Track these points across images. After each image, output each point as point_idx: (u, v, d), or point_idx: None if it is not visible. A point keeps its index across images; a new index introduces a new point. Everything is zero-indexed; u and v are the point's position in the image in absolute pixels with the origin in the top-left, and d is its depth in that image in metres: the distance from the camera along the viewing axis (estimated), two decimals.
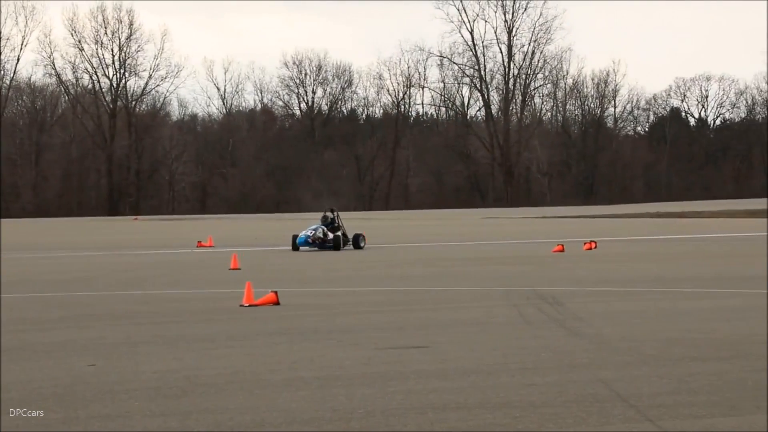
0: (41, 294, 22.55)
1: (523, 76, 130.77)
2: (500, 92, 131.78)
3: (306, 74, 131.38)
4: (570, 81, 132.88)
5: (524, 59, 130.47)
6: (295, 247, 37.82)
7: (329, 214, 38.92)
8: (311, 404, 10.24)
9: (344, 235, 38.86)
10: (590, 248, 36.59)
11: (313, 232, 38.13)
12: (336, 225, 38.83)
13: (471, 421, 9.46)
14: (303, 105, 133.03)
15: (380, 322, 16.83)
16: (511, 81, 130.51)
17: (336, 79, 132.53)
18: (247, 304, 19.01)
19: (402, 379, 11.50)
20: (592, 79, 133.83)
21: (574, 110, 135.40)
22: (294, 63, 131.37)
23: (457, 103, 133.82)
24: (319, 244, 37.84)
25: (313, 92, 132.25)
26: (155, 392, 10.90)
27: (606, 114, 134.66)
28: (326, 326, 16.31)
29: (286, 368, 12.31)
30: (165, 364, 12.68)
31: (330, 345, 14.21)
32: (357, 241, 39.11)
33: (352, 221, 75.79)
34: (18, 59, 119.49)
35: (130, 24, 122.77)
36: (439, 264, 30.95)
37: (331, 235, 38.24)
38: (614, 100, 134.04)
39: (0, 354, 13.41)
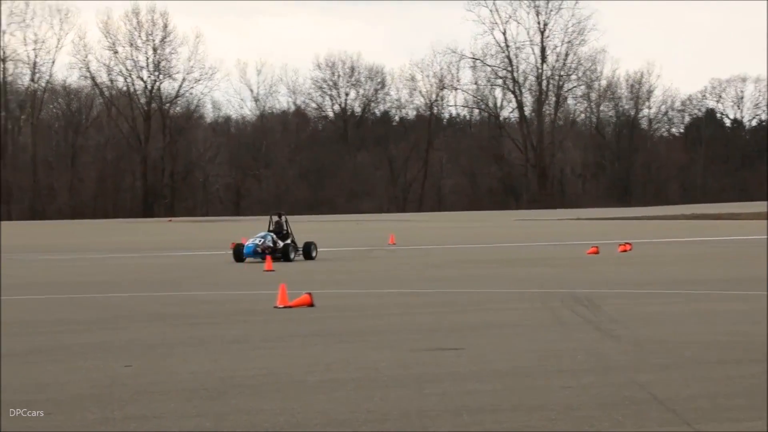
0: (77, 295, 22.66)
1: (557, 78, 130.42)
2: (533, 94, 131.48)
3: (339, 76, 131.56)
4: (604, 82, 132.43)
5: (557, 60, 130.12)
6: (239, 258, 33.50)
7: (276, 218, 35.27)
8: (346, 406, 10.24)
9: (294, 243, 34.71)
10: (625, 250, 36.44)
11: (262, 240, 33.79)
12: (285, 232, 34.85)
13: (506, 424, 9.43)
14: (336, 107, 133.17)
15: (415, 323, 16.82)
16: (545, 82, 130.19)
17: (369, 81, 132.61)
18: (281, 306, 19.04)
19: (437, 381, 11.48)
20: (626, 80, 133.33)
21: (608, 111, 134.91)
22: (327, 65, 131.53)
23: (490, 104, 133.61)
24: (268, 253, 33.11)
25: (346, 94, 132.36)
26: (191, 393, 10.94)
27: (640, 115, 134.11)
28: (361, 328, 16.31)
29: (321, 370, 12.32)
30: (200, 366, 12.71)
31: (365, 347, 14.21)
32: (308, 251, 34.88)
33: (385, 223, 75.74)
34: (53, 62, 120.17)
35: (164, 26, 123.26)
36: (473, 266, 30.89)
37: (281, 244, 34.14)
38: (648, 101, 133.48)
39: (0, 355, 13.43)
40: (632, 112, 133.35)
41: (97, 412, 10.08)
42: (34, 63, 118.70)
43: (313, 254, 34.96)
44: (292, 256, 33.86)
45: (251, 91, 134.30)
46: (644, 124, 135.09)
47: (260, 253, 33.23)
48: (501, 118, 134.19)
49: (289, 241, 34.49)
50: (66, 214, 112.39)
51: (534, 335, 15.15)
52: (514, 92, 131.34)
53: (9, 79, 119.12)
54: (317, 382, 11.51)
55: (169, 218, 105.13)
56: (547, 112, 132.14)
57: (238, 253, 33.68)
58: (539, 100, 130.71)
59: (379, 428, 9.36)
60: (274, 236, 34.12)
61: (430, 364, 12.57)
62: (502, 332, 15.55)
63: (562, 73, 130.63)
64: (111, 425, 9.54)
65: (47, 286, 25.18)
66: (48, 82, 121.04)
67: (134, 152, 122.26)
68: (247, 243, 34.00)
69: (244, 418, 9.77)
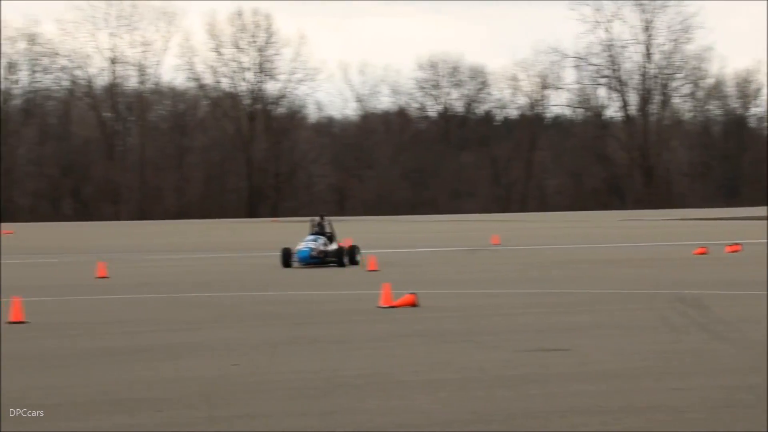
0: (182, 295, 22.95)
1: (662, 76, 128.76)
2: (638, 92, 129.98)
3: (441, 76, 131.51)
4: (710, 80, 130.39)
5: (663, 59, 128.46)
6: (288, 264, 30.46)
7: (318, 219, 32.28)
8: (451, 406, 10.21)
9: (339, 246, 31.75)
10: (734, 251, 35.80)
11: (315, 243, 30.87)
12: (330, 234, 31.86)
13: (614, 425, 9.32)
14: (438, 107, 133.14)
15: (519, 324, 16.72)
16: (649, 81, 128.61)
17: (471, 81, 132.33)
18: (385, 306, 19.06)
19: (543, 381, 11.39)
20: (734, 79, 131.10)
21: (716, 110, 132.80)
22: (429, 65, 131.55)
23: (594, 104, 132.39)
24: (322, 258, 30.66)
25: (448, 94, 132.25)
26: (296, 392, 11.00)
27: (749, 114, 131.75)
28: (465, 328, 16.27)
29: (425, 370, 12.31)
30: (305, 365, 12.79)
31: (469, 347, 14.16)
32: (353, 255, 31.45)
33: (488, 223, 75.47)
34: (160, 64, 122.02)
35: (268, 28, 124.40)
36: (578, 266, 30.62)
37: (332, 247, 31.20)
38: (757, 100, 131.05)
39: (0, 356, 13.55)
40: (740, 111, 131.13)
41: (206, 409, 10.19)
42: (142, 65, 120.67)
43: (358, 258, 31.36)
44: (345, 260, 30.77)
45: (354, 91, 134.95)
46: (752, 122, 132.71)
47: (316, 257, 30.53)
48: (605, 118, 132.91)
49: (335, 245, 31.50)
50: (172, 214, 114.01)
51: (641, 336, 14.96)
52: (618, 91, 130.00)
53: (117, 81, 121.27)
54: (421, 382, 11.50)
55: (273, 219, 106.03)
56: (653, 111, 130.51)
57: (287, 258, 30.56)
58: (644, 99, 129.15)
59: (484, 429, 9.31)
60: (325, 239, 31.31)
61: (536, 365, 12.48)
62: (608, 333, 15.38)
63: (667, 71, 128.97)
64: (218, 423, 9.64)
65: (153, 285, 25.55)
66: (155, 83, 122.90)
67: (239, 153, 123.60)
68: (300, 247, 30.65)
69: (348, 417, 9.80)
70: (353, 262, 31.07)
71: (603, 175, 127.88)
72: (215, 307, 20.09)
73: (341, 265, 30.41)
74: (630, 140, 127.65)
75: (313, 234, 31.53)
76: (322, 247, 30.78)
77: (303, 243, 30.90)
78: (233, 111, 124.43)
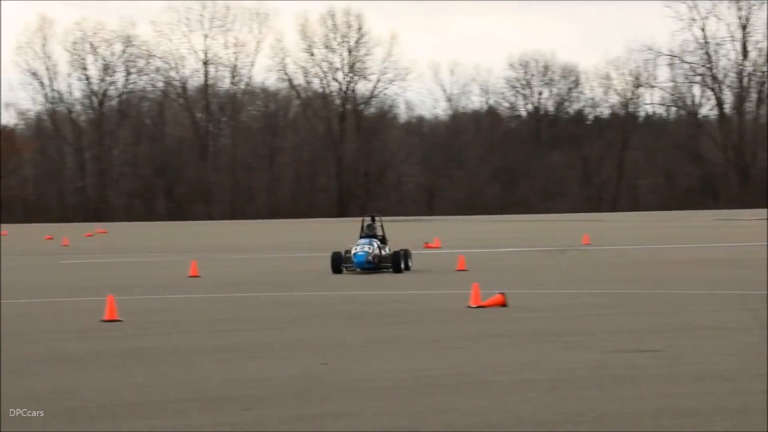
0: (274, 294, 23.13)
1: (759, 74, 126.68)
2: (734, 91, 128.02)
3: (532, 75, 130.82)
4: None
5: (759, 56, 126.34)
6: (338, 269, 28.28)
7: (369, 221, 29.96)
8: (540, 407, 10.16)
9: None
10: None
11: (371, 248, 28.46)
12: (383, 237, 29.60)
13: (707, 428, 9.20)
14: (529, 106, 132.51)
15: (610, 324, 16.57)
16: (746, 79, 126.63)
17: (562, 80, 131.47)
18: (474, 306, 19.02)
19: (634, 383, 11.28)
20: None
21: None
22: (520, 64, 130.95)
23: (688, 102, 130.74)
24: (377, 263, 28.34)
25: (539, 93, 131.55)
26: (385, 391, 11.02)
27: None
28: (554, 328, 16.17)
29: (515, 370, 12.26)
30: (395, 364, 12.81)
31: (559, 347, 14.07)
32: (406, 260, 28.95)
33: (578, 223, 74.92)
34: (253, 64, 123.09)
35: (359, 28, 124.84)
36: (669, 266, 30.26)
37: (386, 251, 28.93)
38: None
39: (0, 358, 13.61)
40: None
41: (295, 408, 10.26)
42: (234, 66, 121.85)
43: (410, 263, 29.01)
44: (402, 265, 28.40)
45: (444, 91, 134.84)
46: None
47: (371, 262, 28.15)
48: (699, 116, 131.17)
49: (387, 248, 29.08)
50: (264, 214, 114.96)
51: (734, 338, 14.74)
52: (713, 89, 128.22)
53: (210, 82, 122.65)
54: (510, 382, 11.46)
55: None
56: (748, 109, 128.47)
57: (337, 263, 28.30)
58: (740, 97, 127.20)
59: (574, 430, 9.25)
60: (379, 242, 28.91)
61: (627, 366, 12.36)
62: (700, 334, 15.18)
63: (764, 69, 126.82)
64: (309, 422, 9.70)
65: (243, 284, 25.79)
66: (247, 84, 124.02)
67: (329, 153, 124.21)
68: (356, 251, 28.28)
69: (438, 417, 9.80)
70: (406, 267, 28.60)
71: (696, 174, 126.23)
72: (305, 306, 20.20)
73: (398, 270, 28.17)
74: (725, 139, 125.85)
75: (364, 236, 29.12)
76: (377, 251, 28.48)
77: (358, 246, 28.46)
78: (324, 111, 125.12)
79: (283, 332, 16.31)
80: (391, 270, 28.20)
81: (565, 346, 14.11)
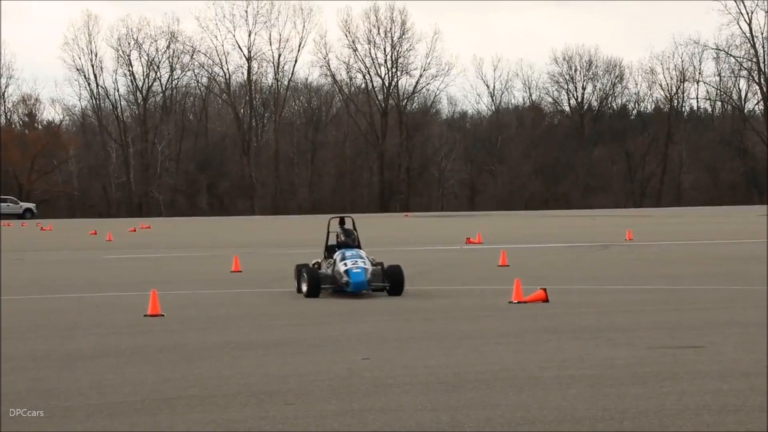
0: None
1: None
2: None
3: (576, 70, 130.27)
4: None
5: None
6: (315, 292, 20.65)
7: (339, 224, 22.26)
8: (582, 403, 10.13)
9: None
10: None
11: (366, 264, 20.91)
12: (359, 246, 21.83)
13: (750, 425, 9.14)
14: (572, 101, 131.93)
15: (652, 321, 16.50)
16: None
17: (606, 75, 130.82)
18: (515, 301, 18.99)
19: (676, 379, 11.23)
20: None
21: None
22: (564, 59, 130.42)
23: (734, 96, 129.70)
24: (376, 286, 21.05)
25: (583, 88, 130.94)
26: (426, 387, 11.03)
27: None
28: (596, 324, 16.11)
29: (556, 366, 12.23)
30: (436, 359, 12.82)
31: (600, 343, 14.03)
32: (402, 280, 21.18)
33: (621, 219, 74.45)
34: (296, 60, 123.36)
35: (402, 23, 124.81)
36: (712, 262, 30.08)
37: (378, 268, 21.25)
38: None
39: (0, 356, 13.65)
40: None
41: (336, 403, 10.29)
42: (278, 62, 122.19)
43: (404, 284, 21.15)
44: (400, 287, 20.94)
45: (487, 86, 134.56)
46: None
47: (370, 284, 20.79)
48: (745, 111, 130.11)
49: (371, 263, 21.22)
50: (306, 209, 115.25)
51: None
52: (759, 84, 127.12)
53: (254, 77, 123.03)
54: (552, 378, 11.44)
55: (406, 213, 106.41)
56: None
57: (316, 283, 20.71)
58: None
59: (617, 427, 9.22)
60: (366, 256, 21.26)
61: (669, 362, 12.31)
62: (744, 331, 15.08)
63: None
64: (348, 417, 9.73)
65: (285, 280, 25.87)
66: (290, 80, 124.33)
67: (371, 148, 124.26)
68: (350, 268, 20.60)
69: (479, 412, 9.80)
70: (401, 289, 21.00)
71: (742, 169, 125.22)
72: (346, 302, 20.23)
73: (398, 292, 20.84)
74: None
75: (345, 246, 21.39)
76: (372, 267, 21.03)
77: (347, 261, 20.73)
78: (366, 107, 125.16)
79: (324, 327, 16.36)
80: (384, 293, 20.96)
81: (606, 342, 14.06)
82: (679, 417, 9.47)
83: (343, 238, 21.67)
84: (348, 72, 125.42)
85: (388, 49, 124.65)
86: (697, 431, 9.00)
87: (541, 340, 14.41)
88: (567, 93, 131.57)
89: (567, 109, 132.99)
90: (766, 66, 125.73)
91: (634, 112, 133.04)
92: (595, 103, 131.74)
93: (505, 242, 42.17)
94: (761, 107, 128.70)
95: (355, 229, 22.08)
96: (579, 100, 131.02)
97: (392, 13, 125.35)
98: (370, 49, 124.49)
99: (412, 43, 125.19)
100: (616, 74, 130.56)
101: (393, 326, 16.28)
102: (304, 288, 20.98)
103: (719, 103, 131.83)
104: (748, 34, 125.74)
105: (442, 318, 17.26)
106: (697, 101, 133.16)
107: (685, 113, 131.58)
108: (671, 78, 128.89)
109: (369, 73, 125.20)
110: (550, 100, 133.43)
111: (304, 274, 21.06)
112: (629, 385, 10.96)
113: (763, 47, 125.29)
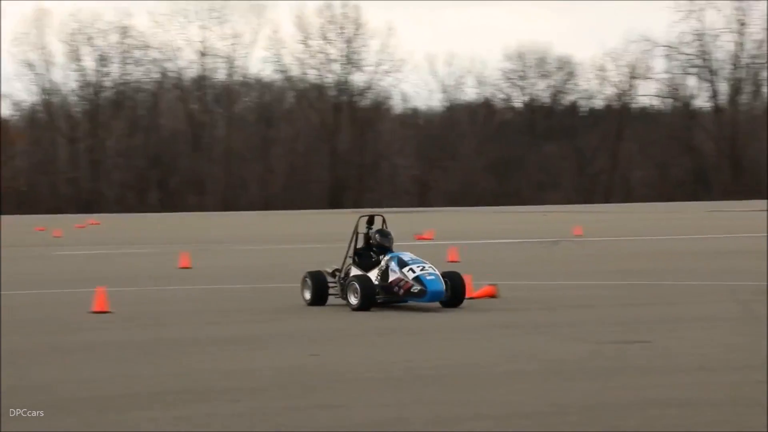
0: (265, 285, 23.09)
1: (754, 66, 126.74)
2: (729, 82, 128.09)
3: (528, 67, 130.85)
4: None
5: (756, 48, 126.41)
6: (321, 298, 18.28)
7: (367, 224, 19.11)
8: (530, 397, 10.15)
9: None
10: None
11: (436, 271, 17.86)
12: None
13: (694, 418, 9.20)
14: (524, 98, 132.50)
15: (601, 315, 16.57)
16: (741, 71, 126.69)
17: (558, 72, 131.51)
18: (466, 297, 19.00)
19: (623, 374, 11.29)
20: None
21: None
22: (516, 56, 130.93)
23: (683, 93, 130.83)
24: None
25: (535, 85, 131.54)
26: (376, 383, 11.01)
27: None
28: (545, 320, 16.17)
29: (505, 361, 12.25)
30: (385, 355, 12.80)
31: (549, 338, 14.07)
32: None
33: (571, 215, 74.84)
34: (248, 56, 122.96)
35: (356, 20, 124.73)
36: (661, 258, 30.28)
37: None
38: None
39: (0, 353, 13.65)
40: None
41: (284, 400, 10.24)
42: (230, 57, 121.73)
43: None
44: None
45: (439, 82, 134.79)
46: None
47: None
48: (694, 108, 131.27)
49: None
50: (257, 205, 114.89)
51: (724, 330, 14.75)
52: (708, 81, 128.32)
53: (206, 73, 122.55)
54: (501, 373, 11.45)
55: (356, 210, 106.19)
56: (743, 101, 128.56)
57: (322, 289, 18.29)
58: (735, 89, 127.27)
59: (562, 421, 9.25)
60: None
61: (617, 357, 12.37)
62: (690, 325, 15.19)
63: (759, 61, 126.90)
64: (298, 413, 9.68)
65: (235, 276, 25.75)
66: (243, 75, 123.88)
67: (323, 144, 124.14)
68: (424, 276, 17.56)
69: (428, 408, 9.79)
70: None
71: (690, 166, 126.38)
72: (295, 298, 20.16)
73: (456, 304, 17.81)
74: (719, 131, 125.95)
75: (382, 249, 18.55)
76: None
77: (415, 266, 17.80)
78: (319, 102, 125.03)
79: (273, 324, 16.30)
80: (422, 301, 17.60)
81: (555, 338, 14.11)
82: (624, 411, 9.52)
83: (378, 240, 18.66)
84: (301, 68, 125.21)
85: (342, 45, 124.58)
86: (642, 425, 9.04)
87: (491, 336, 14.43)
88: (519, 89, 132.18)
89: (519, 105, 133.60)
90: (716, 64, 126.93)
91: (585, 108, 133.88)
92: (546, 100, 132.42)
93: (456, 238, 42.25)
94: (710, 105, 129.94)
95: (386, 228, 19.13)
96: (531, 96, 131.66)
97: (346, 10, 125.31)
98: (323, 45, 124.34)
99: (365, 40, 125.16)
100: (568, 71, 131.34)
101: (342, 322, 16.24)
102: (308, 296, 18.26)
103: (669, 101, 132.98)
104: (698, 32, 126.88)
105: (390, 314, 17.21)
106: (648, 98, 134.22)
107: (636, 110, 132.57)
108: (622, 75, 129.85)
109: (322, 69, 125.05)
110: (502, 96, 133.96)
111: (308, 281, 18.29)
112: (577, 380, 11.00)
113: (712, 45, 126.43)
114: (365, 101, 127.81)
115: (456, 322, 15.96)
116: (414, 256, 18.21)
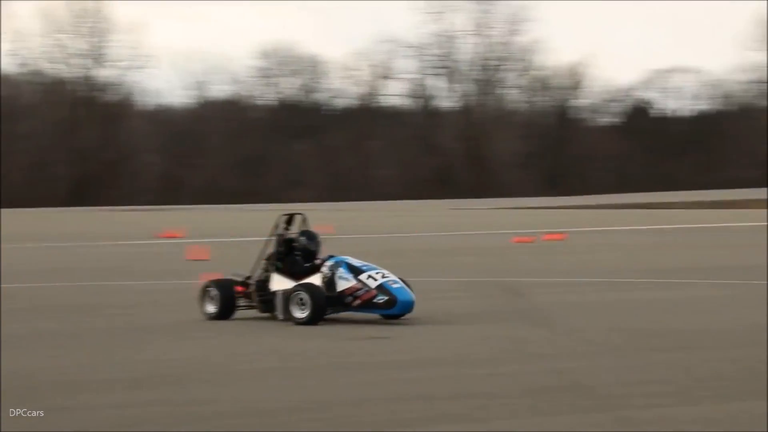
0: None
1: (493, 67, 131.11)
2: (470, 83, 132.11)
3: (277, 65, 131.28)
4: (540, 72, 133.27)
5: (494, 50, 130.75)
6: (227, 313, 15.96)
7: (286, 226, 17.15)
8: (279, 395, 10.25)
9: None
10: (555, 239, 36.45)
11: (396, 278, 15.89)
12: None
13: (437, 410, 9.51)
14: (273, 96, 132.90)
15: (345, 313, 16.84)
16: (481, 72, 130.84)
17: (307, 70, 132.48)
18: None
19: (365, 369, 11.53)
20: (563, 71, 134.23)
21: (544, 101, 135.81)
22: (266, 54, 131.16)
23: (428, 93, 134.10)
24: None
25: (283, 83, 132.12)
26: (112, 384, 10.89)
27: (576, 105, 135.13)
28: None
29: (251, 360, 12.30)
30: (121, 355, 12.67)
31: (294, 335, 14.21)
32: None
33: (320, 213, 75.60)
34: None
35: (105, 15, 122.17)
36: (404, 255, 30.94)
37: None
38: (584, 92, 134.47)
39: (0, 350, 13.16)
40: (567, 103, 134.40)
41: (19, 403, 10.02)
42: None
43: None
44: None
45: (188, 79, 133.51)
46: (580, 114, 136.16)
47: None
48: (437, 108, 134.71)
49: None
50: None
51: (461, 325, 15.25)
52: (450, 81, 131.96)
53: None
54: (244, 371, 11.53)
55: (101, 208, 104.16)
56: (483, 101, 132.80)
57: (230, 302, 16.03)
58: (476, 90, 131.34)
59: (304, 418, 9.40)
60: None
61: (360, 353, 12.62)
62: (428, 321, 15.58)
63: (498, 62, 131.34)
64: (32, 416, 9.50)
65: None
66: None
67: (66, 140, 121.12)
68: (389, 283, 15.52)
69: (164, 409, 9.77)
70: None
71: (433, 164, 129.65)
72: (21, 299, 19.66)
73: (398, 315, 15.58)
74: (460, 130, 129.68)
75: (306, 252, 16.36)
76: None
77: (374, 273, 15.90)
78: (62, 97, 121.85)
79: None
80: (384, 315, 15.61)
81: (298, 335, 14.27)
82: (366, 406, 9.75)
83: (304, 242, 16.33)
84: (45, 62, 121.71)
85: (90, 39, 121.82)
86: (388, 419, 9.29)
87: (236, 332, 14.49)
88: (267, 88, 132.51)
89: (267, 103, 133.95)
90: (458, 64, 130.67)
91: (334, 107, 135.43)
92: (294, 99, 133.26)
93: (205, 236, 42.02)
94: (453, 104, 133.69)
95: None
96: (279, 95, 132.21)
97: (95, 3, 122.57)
98: (70, 38, 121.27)
99: (114, 34, 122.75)
100: (317, 70, 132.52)
101: (55, 324, 15.92)
102: (211, 309, 15.82)
103: (414, 100, 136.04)
104: (441, 34, 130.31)
105: (126, 314, 16.90)
106: (394, 98, 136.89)
107: (383, 109, 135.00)
108: (369, 75, 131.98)
109: (67, 64, 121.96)
110: (251, 94, 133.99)
111: (212, 291, 15.92)
112: (324, 376, 11.20)
113: (454, 46, 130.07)
114: (111, 97, 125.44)
115: (186, 322, 15.86)
116: (361, 261, 16.15)
